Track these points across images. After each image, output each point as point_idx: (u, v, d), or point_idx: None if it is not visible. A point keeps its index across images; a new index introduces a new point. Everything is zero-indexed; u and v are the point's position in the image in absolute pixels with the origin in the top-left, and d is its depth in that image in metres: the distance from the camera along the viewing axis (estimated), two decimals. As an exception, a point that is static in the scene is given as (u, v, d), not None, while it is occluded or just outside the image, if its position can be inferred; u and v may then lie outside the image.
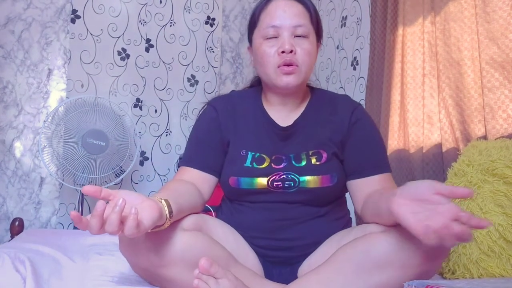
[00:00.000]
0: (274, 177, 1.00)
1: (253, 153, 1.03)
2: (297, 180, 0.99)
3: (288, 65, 0.99)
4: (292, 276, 0.98)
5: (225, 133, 1.07)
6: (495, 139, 1.33)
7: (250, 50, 1.10)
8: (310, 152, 1.02)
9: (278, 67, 1.00)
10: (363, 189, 1.01)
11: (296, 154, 1.02)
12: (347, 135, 1.04)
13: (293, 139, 1.04)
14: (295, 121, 1.05)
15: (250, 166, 1.02)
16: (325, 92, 1.14)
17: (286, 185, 0.99)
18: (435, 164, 1.63)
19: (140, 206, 0.74)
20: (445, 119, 1.61)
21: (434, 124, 1.67)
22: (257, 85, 1.15)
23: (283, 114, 1.07)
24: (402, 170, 1.75)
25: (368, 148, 1.04)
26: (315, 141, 1.03)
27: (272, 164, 1.01)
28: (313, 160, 1.01)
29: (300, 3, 1.04)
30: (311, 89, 1.13)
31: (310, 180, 0.99)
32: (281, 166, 1.01)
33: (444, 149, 1.59)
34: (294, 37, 1.00)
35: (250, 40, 1.09)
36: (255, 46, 1.05)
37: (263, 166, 1.01)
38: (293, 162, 1.01)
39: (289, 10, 1.01)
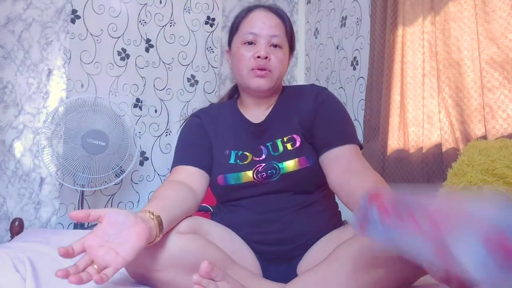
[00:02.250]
0: (257, 168, 1.05)
1: (235, 151, 1.10)
2: (277, 167, 1.04)
3: (262, 69, 1.08)
4: (289, 273, 0.99)
5: (209, 137, 1.14)
6: (495, 139, 1.33)
7: (229, 53, 1.19)
8: (285, 139, 1.09)
9: (252, 69, 1.09)
10: (332, 161, 1.03)
11: (273, 143, 1.08)
12: (314, 117, 1.10)
13: (268, 132, 1.12)
14: (267, 116, 1.14)
15: (235, 163, 1.08)
16: (293, 86, 1.24)
17: (269, 173, 1.04)
18: (435, 164, 1.63)
19: (126, 233, 0.74)
20: (445, 119, 1.61)
21: (434, 124, 1.67)
22: (234, 96, 1.25)
23: (257, 114, 1.15)
24: (402, 170, 1.76)
25: (333, 124, 1.09)
26: (287, 128, 1.10)
27: (254, 157, 1.08)
28: (289, 146, 1.07)
29: (278, 17, 1.13)
30: (283, 88, 1.22)
31: (289, 165, 1.05)
32: (262, 158, 1.07)
33: (444, 149, 1.59)
34: (270, 46, 1.10)
35: (230, 44, 1.19)
36: (234, 50, 1.14)
37: (246, 162, 1.07)
38: (271, 152, 1.08)
39: (267, 21, 1.11)
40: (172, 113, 2.62)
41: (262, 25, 1.11)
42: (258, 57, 1.08)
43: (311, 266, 0.89)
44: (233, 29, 1.17)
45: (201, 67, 2.70)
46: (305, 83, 2.71)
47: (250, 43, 1.10)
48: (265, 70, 1.09)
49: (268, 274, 1.02)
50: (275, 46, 1.10)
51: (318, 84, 1.35)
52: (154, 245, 0.82)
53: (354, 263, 0.82)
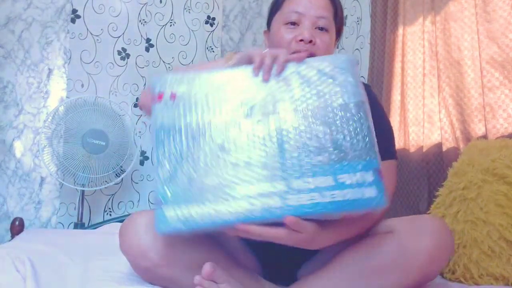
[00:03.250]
0: None
1: None
2: None
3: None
4: (291, 275, 0.98)
5: None
6: (495, 139, 1.33)
7: (267, 34, 1.09)
8: None
9: (293, 53, 0.98)
10: None
11: None
12: None
13: None
14: None
15: None
16: None
17: None
18: (435, 164, 1.63)
19: None
20: (445, 118, 1.60)
21: (435, 124, 1.67)
22: None
23: None
24: (402, 169, 1.75)
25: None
26: None
27: None
28: None
29: None
30: None
31: None
32: None
33: (444, 149, 1.59)
34: (315, 28, 0.98)
35: (269, 23, 1.07)
36: (273, 30, 1.03)
37: None
38: None
39: (315, 0, 1.00)
40: (172, 112, 2.62)
41: (308, 4, 0.99)
42: (301, 40, 0.96)
43: (314, 269, 0.88)
44: (274, 8, 1.05)
45: (201, 67, 2.70)
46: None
47: (293, 23, 0.99)
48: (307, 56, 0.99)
49: (268, 274, 1.00)
50: (321, 29, 0.98)
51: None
52: (160, 239, 0.84)
53: (360, 269, 0.80)
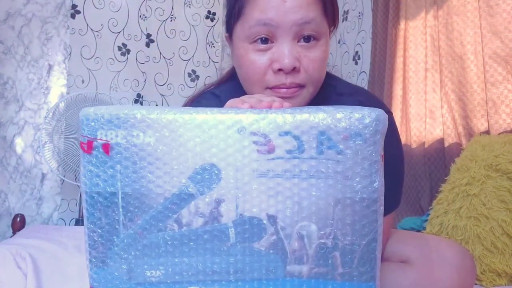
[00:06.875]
0: None
1: None
2: None
3: (288, 87, 0.68)
4: None
5: None
6: (498, 134, 1.33)
7: (229, 41, 0.76)
8: None
9: (271, 88, 0.69)
10: None
11: None
12: None
13: None
14: None
15: None
16: (346, 89, 0.79)
17: None
18: (437, 159, 1.63)
19: None
20: (447, 114, 1.60)
21: (437, 119, 1.66)
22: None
23: None
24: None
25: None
26: None
27: None
28: None
29: None
30: (325, 85, 0.77)
31: None
32: None
33: (446, 144, 1.59)
34: (298, 41, 0.68)
35: (229, 29, 0.74)
36: (237, 48, 0.71)
37: None
38: None
39: None
40: (173, 108, 2.62)
41: (282, 7, 0.65)
42: (280, 69, 0.67)
43: None
44: (234, 13, 0.71)
45: (202, 62, 2.69)
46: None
47: (264, 40, 0.67)
48: (293, 88, 0.68)
49: None
50: (307, 39, 0.67)
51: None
52: None
53: None
